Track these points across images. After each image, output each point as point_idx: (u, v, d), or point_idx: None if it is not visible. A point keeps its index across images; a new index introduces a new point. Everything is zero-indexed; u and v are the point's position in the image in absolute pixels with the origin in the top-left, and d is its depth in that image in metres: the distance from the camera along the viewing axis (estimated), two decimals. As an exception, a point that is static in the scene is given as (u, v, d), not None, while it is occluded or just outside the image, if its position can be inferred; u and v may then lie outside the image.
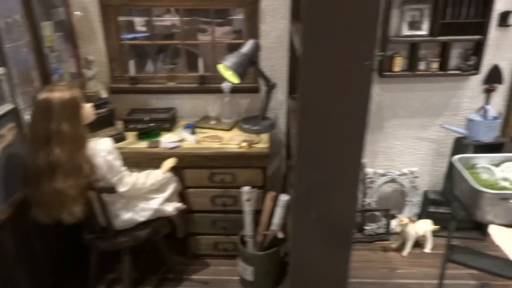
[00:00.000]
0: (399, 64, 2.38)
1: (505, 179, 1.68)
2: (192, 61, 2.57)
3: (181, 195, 2.29)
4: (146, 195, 2.02)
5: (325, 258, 1.74)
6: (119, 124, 2.36)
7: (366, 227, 2.68)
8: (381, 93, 2.52)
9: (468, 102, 2.53)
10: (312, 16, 1.33)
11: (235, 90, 2.44)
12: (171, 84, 2.52)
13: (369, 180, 2.67)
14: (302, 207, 1.65)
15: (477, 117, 2.38)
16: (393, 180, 2.68)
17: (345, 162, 1.55)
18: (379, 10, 1.35)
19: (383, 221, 2.67)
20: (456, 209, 1.68)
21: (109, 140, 1.83)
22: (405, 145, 2.67)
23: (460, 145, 2.43)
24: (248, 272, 2.20)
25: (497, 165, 1.76)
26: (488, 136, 2.36)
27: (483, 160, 1.79)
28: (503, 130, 2.56)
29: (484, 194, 1.53)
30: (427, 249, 2.54)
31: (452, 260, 1.67)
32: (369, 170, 2.67)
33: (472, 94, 2.51)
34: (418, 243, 2.58)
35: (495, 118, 2.37)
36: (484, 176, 1.73)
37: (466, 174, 1.64)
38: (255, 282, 2.22)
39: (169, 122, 2.40)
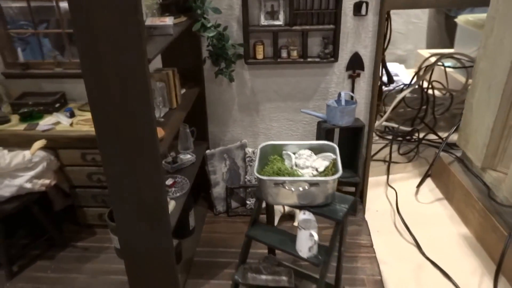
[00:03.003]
0: (261, 52, 2.53)
1: (296, 165, 1.87)
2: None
3: (61, 172, 2.56)
4: (13, 173, 2.28)
5: (146, 236, 1.99)
6: (6, 108, 2.61)
7: (248, 202, 2.92)
8: (252, 79, 2.69)
9: (335, 87, 2.68)
10: (84, 42, 1.55)
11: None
12: (59, 69, 2.73)
13: (248, 159, 2.88)
14: (117, 188, 1.89)
15: (333, 103, 2.53)
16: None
17: (142, 150, 1.76)
18: (141, 32, 1.53)
19: (263, 197, 2.90)
20: (257, 190, 1.88)
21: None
22: (282, 127, 2.85)
23: (320, 129, 2.61)
24: (116, 241, 2.48)
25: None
26: (344, 120, 2.52)
27: (291, 147, 1.97)
28: (370, 113, 2.71)
29: (261, 179, 1.74)
30: (296, 222, 2.77)
31: (248, 236, 1.90)
32: (249, 150, 2.88)
33: (338, 80, 2.66)
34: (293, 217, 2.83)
35: (349, 103, 2.52)
36: (286, 162, 1.93)
37: (256, 161, 1.84)
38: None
39: (52, 106, 2.63)
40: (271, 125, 2.85)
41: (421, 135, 4.01)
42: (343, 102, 2.50)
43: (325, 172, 1.81)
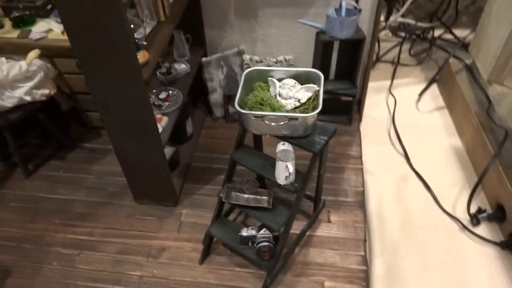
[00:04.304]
0: (257, -47, 2.29)
1: (280, 95, 1.86)
2: None
3: (60, 78, 2.61)
4: (13, 84, 2.35)
5: (138, 150, 2.12)
6: (-2, 12, 2.55)
7: (246, 107, 2.97)
8: (249, -18, 2.49)
9: (338, -7, 2.47)
10: None
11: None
12: (45, -33, 2.56)
13: (246, 66, 2.83)
14: (105, 110, 1.96)
15: (332, 13, 2.37)
16: (268, 67, 2.83)
17: (124, 76, 1.77)
18: None
19: (260, 103, 2.93)
20: (240, 117, 1.90)
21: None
22: (281, 34, 2.73)
23: (318, 40, 2.49)
24: (118, 146, 2.66)
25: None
26: (343, 32, 2.38)
27: (277, 73, 1.93)
28: (375, 23, 2.54)
29: (241, 112, 1.77)
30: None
31: (232, 159, 2.00)
32: (246, 57, 2.81)
33: (343, -15, 2.43)
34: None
35: (351, 14, 2.35)
36: (271, 89, 1.91)
37: (239, 88, 1.84)
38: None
39: (43, 9, 2.55)
40: (270, 32, 2.72)
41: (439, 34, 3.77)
42: (343, 13, 2.33)
43: (306, 105, 1.81)
